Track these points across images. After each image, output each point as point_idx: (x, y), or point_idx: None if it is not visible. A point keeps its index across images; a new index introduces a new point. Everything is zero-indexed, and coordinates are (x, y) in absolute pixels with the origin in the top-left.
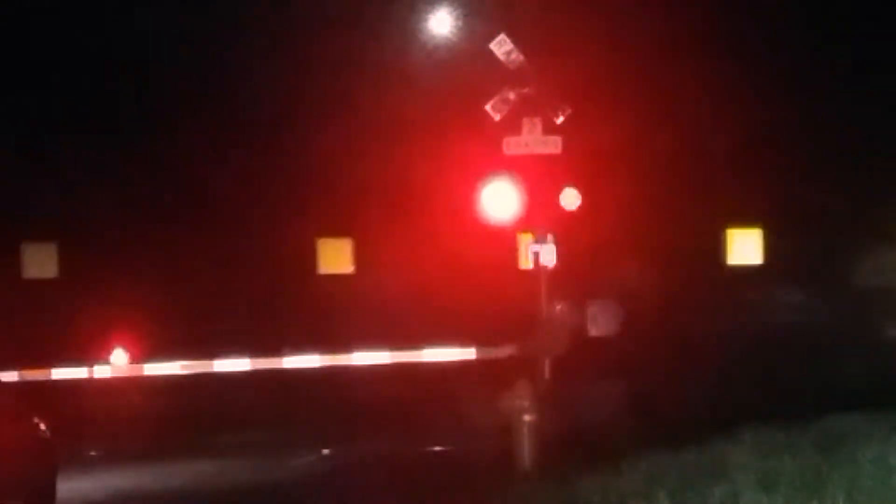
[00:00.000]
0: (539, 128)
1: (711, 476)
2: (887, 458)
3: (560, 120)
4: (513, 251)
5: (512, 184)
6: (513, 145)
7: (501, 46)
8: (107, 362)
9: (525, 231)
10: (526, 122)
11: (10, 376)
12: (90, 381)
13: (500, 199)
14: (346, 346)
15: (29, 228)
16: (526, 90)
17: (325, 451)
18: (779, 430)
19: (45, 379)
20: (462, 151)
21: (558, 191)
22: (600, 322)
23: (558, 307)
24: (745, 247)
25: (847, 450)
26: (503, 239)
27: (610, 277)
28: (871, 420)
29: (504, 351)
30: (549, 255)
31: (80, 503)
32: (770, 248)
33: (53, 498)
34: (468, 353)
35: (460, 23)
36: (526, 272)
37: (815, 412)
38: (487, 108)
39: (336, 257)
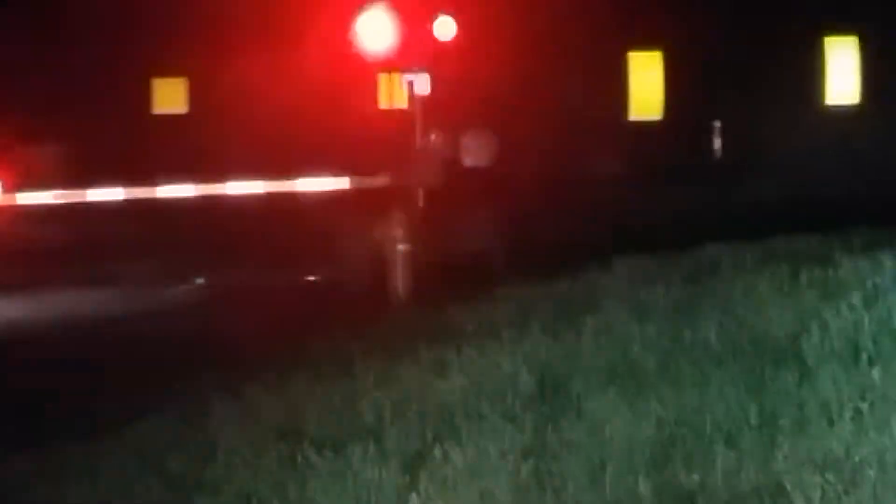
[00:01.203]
0: None
1: (584, 306)
2: (758, 288)
3: None
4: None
5: (387, 13)
6: None
7: None
8: None
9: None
10: None
11: None
12: None
13: (374, 30)
14: (219, 177)
15: None
16: None
17: (199, 281)
18: (651, 260)
19: None
20: None
21: (432, 20)
22: (474, 152)
23: (432, 137)
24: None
25: (719, 279)
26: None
27: (485, 108)
28: (743, 250)
29: (378, 181)
30: (423, 85)
31: None
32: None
33: None
34: (342, 183)
35: None
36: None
37: (688, 242)
38: None
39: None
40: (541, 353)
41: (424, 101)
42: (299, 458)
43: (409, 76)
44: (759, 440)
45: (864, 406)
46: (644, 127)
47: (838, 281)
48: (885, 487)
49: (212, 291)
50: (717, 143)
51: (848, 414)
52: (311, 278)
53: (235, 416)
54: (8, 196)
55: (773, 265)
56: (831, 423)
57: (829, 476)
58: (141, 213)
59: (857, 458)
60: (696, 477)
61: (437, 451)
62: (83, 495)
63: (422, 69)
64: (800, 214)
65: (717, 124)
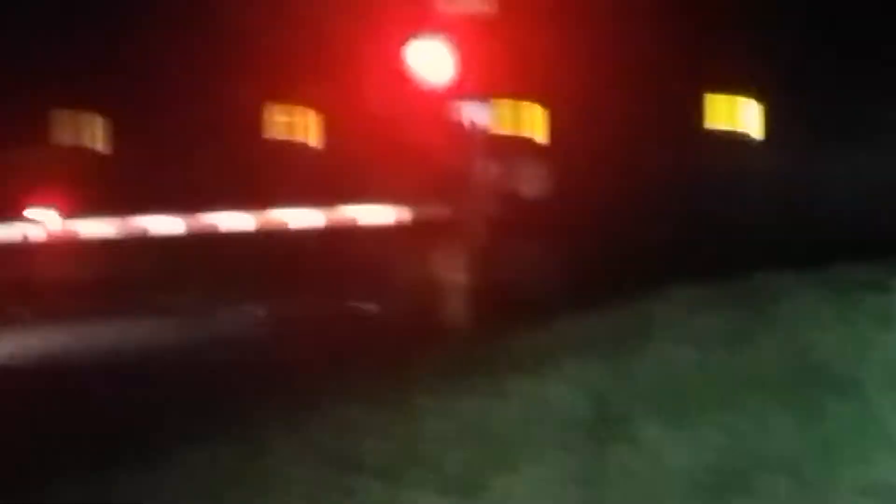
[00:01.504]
0: None
1: (641, 333)
2: (817, 314)
3: None
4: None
5: (445, 44)
6: (446, 2)
7: None
8: (35, 221)
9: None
10: None
11: None
12: (18, 242)
13: (431, 61)
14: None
15: None
16: None
17: (254, 310)
18: (708, 287)
19: None
20: (390, 9)
21: (494, 51)
22: (532, 182)
23: (491, 167)
24: None
25: (777, 306)
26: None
27: (541, 139)
28: (799, 276)
29: (436, 210)
30: (482, 115)
31: (9, 363)
32: None
33: None
34: (400, 213)
35: None
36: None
37: (744, 269)
38: None
39: None
40: (597, 381)
41: (484, 131)
42: (355, 487)
43: (468, 106)
44: (818, 469)
45: None
46: None
47: None
48: None
49: (267, 321)
50: None
51: None
52: (368, 307)
53: (292, 445)
54: (63, 223)
55: (832, 291)
56: (892, 452)
57: None
58: (195, 242)
59: None
60: None
61: (494, 479)
62: None
63: (481, 98)
64: None
65: None
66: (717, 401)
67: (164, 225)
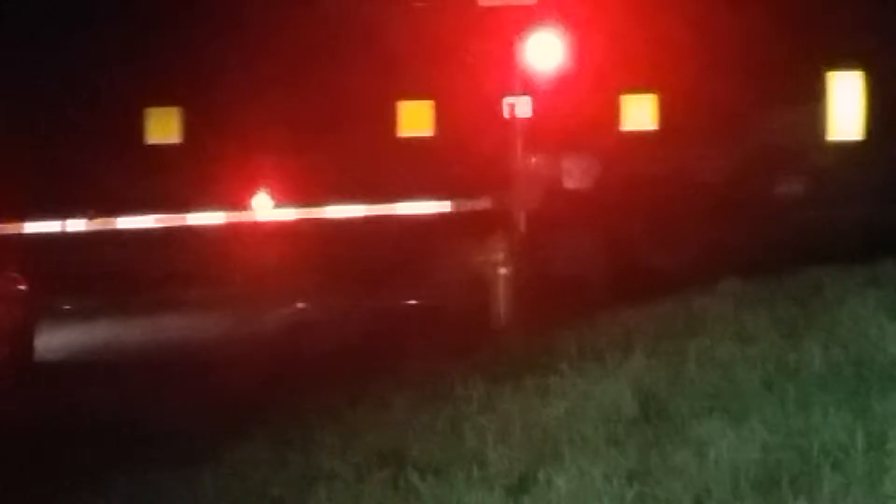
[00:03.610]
0: None
1: (688, 329)
2: (863, 311)
3: None
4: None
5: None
6: None
7: None
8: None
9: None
10: None
11: None
12: (63, 235)
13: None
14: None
15: None
16: None
17: (300, 305)
18: (755, 282)
19: (17, 233)
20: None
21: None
22: (576, 175)
23: (533, 160)
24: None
25: (823, 302)
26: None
27: (586, 131)
28: (846, 273)
29: (479, 204)
30: (524, 108)
31: (58, 355)
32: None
33: (32, 349)
34: (443, 207)
35: None
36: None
37: (792, 265)
38: None
39: None
40: (644, 377)
41: (525, 123)
42: (402, 483)
43: (510, 99)
44: (866, 464)
45: None
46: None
47: None
48: None
49: (313, 315)
50: None
51: None
52: (412, 302)
53: (337, 439)
54: (107, 221)
55: (877, 288)
56: None
57: None
58: (242, 236)
59: None
60: (802, 501)
61: (541, 476)
62: None
63: (524, 93)
64: None
65: None
66: (764, 395)
67: (210, 219)
